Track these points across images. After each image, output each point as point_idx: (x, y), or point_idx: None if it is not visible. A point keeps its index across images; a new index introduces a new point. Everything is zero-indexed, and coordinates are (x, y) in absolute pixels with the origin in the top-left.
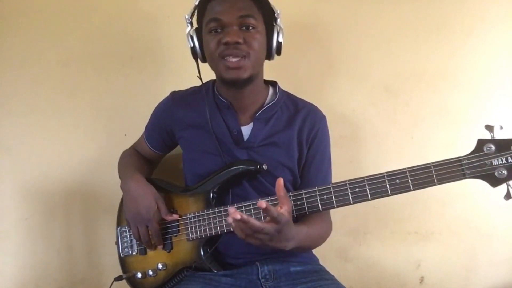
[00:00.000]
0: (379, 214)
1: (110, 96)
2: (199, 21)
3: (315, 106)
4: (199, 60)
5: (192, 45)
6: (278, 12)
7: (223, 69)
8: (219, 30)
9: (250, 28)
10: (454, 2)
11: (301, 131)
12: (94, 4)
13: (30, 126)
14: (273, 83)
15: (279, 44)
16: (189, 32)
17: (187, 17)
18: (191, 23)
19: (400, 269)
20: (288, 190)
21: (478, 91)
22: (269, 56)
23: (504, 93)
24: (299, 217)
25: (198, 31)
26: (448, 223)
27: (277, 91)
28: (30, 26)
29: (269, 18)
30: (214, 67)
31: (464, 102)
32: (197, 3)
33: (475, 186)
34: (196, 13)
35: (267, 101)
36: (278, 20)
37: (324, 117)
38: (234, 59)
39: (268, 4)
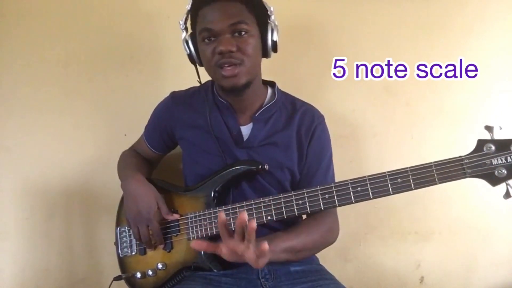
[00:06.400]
0: (379, 214)
1: (110, 96)
2: (193, 27)
3: (313, 106)
4: (197, 64)
5: (188, 52)
6: (272, 9)
7: (220, 77)
8: (212, 39)
9: (243, 33)
10: (454, 2)
11: (299, 130)
12: (94, 4)
13: (30, 126)
14: (272, 84)
15: (274, 42)
16: (184, 38)
17: (181, 23)
18: (186, 28)
19: (400, 269)
20: (285, 190)
21: (478, 91)
22: (265, 55)
23: (504, 93)
24: (292, 219)
25: (193, 36)
26: (448, 223)
27: (276, 91)
28: (30, 26)
29: (262, 16)
30: (211, 75)
31: (464, 102)
32: (189, 8)
33: (475, 187)
34: (189, 19)
35: (266, 101)
36: (272, 17)
37: (322, 116)
38: (229, 68)
39: (260, 3)
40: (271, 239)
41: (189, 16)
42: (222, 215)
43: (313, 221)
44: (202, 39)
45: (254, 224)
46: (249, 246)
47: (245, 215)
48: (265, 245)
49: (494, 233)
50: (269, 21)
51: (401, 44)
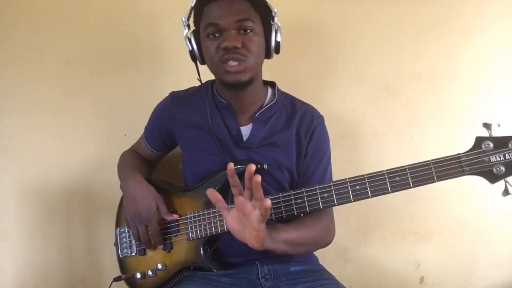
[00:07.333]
0: (379, 214)
1: (110, 96)
2: (196, 24)
3: (313, 107)
4: (198, 62)
5: (190, 49)
6: (276, 10)
7: (224, 72)
8: (217, 35)
9: (248, 31)
10: (453, 2)
11: (299, 131)
12: (94, 4)
13: (30, 126)
14: (272, 84)
15: (277, 43)
16: (186, 34)
17: (183, 19)
18: (188, 26)
19: (400, 269)
20: (284, 191)
21: (478, 90)
22: (268, 55)
23: (503, 92)
24: (292, 219)
25: (196, 34)
26: (448, 223)
27: (276, 92)
28: (30, 26)
29: (267, 17)
30: (214, 71)
31: (464, 101)
32: (192, 4)
33: (475, 186)
34: (192, 15)
35: (266, 102)
36: (276, 18)
37: (321, 117)
38: (234, 63)
39: (265, 4)
40: (272, 227)
41: (193, 12)
42: (231, 165)
43: (311, 219)
44: (207, 35)
45: (258, 178)
46: (256, 206)
47: (253, 167)
48: (268, 201)
49: (494, 233)
50: (272, 23)
51: (401, 44)
